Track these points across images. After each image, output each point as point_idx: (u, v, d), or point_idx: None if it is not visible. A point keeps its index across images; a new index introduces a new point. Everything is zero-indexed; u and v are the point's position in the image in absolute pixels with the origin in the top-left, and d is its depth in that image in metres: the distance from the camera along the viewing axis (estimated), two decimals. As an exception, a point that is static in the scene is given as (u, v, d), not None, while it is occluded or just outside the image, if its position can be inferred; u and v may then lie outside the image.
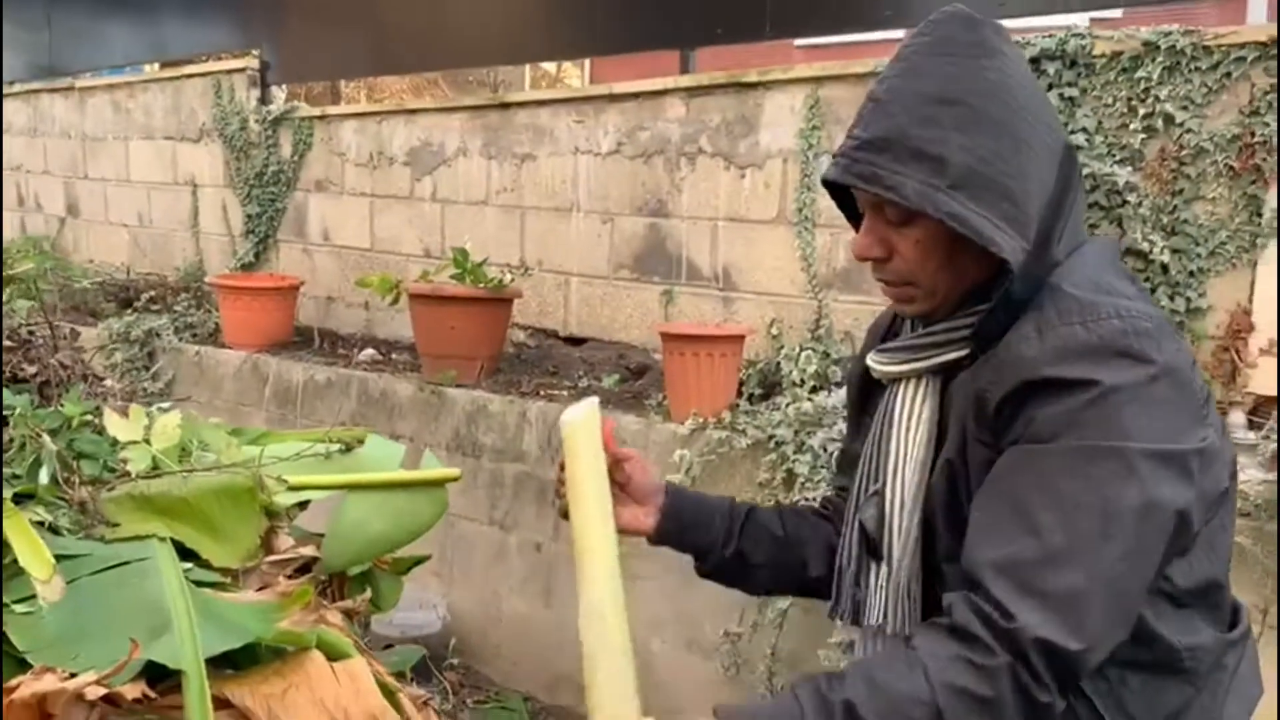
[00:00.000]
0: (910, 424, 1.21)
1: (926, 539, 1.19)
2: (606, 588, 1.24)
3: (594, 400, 1.36)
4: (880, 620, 1.23)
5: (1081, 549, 0.99)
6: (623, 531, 1.35)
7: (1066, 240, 1.13)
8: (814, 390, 3.57)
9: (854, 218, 1.24)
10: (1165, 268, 3.15)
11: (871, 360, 1.27)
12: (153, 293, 6.10)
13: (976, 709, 0.98)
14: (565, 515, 1.33)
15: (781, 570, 1.42)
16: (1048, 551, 1.00)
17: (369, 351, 5.11)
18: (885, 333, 1.33)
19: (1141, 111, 3.18)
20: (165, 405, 1.79)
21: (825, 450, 3.17)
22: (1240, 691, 1.18)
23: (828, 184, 1.23)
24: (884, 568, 1.22)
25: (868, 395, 1.33)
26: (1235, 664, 1.17)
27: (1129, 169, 3.19)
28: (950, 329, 1.18)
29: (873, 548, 1.24)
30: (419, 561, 1.83)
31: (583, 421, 1.32)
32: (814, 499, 2.89)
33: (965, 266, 1.15)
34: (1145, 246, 3.15)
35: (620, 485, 1.37)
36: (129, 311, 5.83)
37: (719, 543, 1.41)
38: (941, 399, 1.19)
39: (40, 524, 1.39)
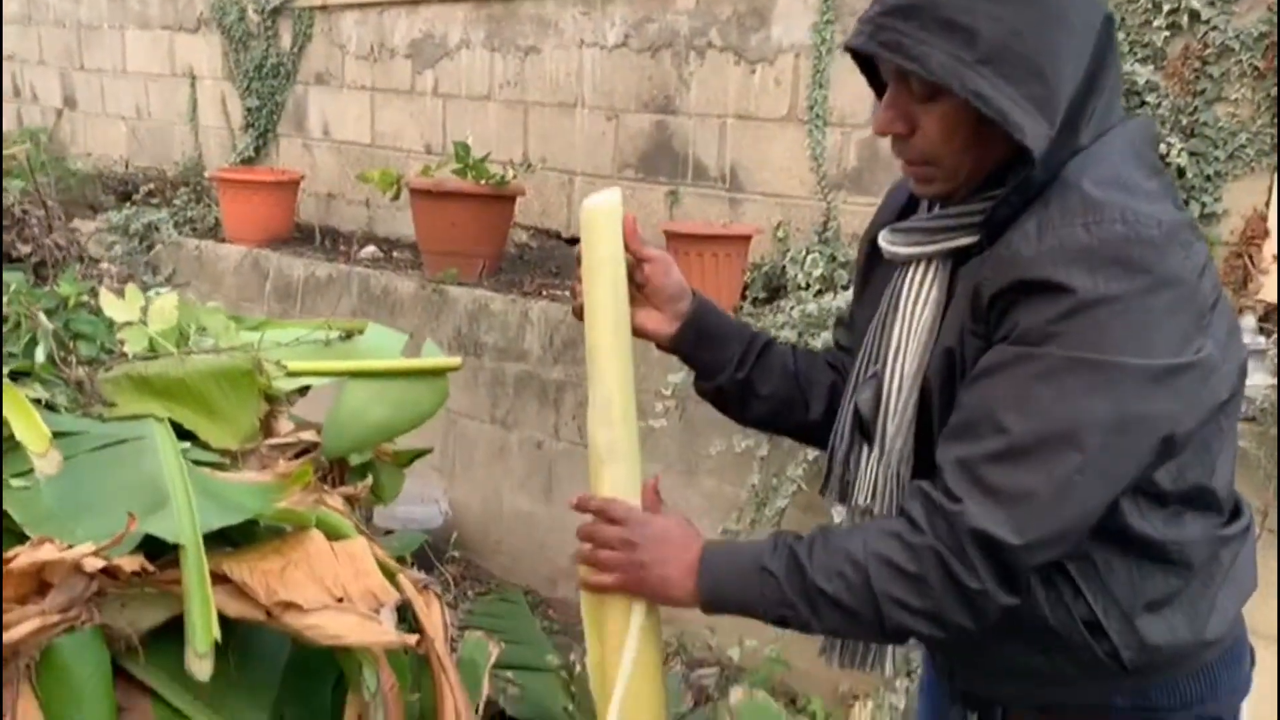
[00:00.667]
0: (915, 309, 1.18)
1: (921, 424, 1.18)
2: (616, 384, 1.22)
3: (617, 190, 1.28)
4: (868, 501, 1.22)
5: (1042, 453, 1.00)
6: (638, 334, 1.31)
7: (1097, 120, 1.08)
8: (819, 293, 3.54)
9: (879, 89, 1.18)
10: (1182, 171, 3.08)
11: (883, 241, 1.23)
12: (151, 186, 6.04)
13: (900, 581, 1.04)
14: (580, 315, 1.28)
15: (783, 405, 1.39)
16: (1007, 449, 1.01)
17: (370, 248, 5.06)
18: (903, 208, 1.29)
19: (1166, 8, 3.07)
20: (162, 289, 1.76)
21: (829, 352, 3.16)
22: (1235, 583, 1.17)
23: (852, 52, 1.17)
24: (875, 450, 1.21)
25: (874, 264, 1.30)
26: (1232, 558, 1.16)
27: (1150, 68, 3.11)
28: (964, 213, 1.14)
29: (866, 429, 1.22)
30: (420, 454, 1.82)
31: (604, 209, 1.25)
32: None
33: (989, 148, 1.09)
34: (1163, 149, 3.08)
35: (639, 286, 1.32)
36: (128, 205, 5.77)
37: (732, 364, 1.36)
38: (951, 284, 1.16)
39: (37, 401, 1.37)
